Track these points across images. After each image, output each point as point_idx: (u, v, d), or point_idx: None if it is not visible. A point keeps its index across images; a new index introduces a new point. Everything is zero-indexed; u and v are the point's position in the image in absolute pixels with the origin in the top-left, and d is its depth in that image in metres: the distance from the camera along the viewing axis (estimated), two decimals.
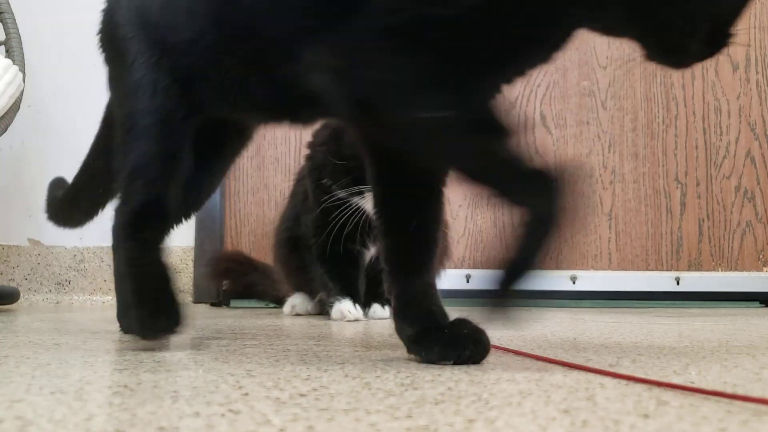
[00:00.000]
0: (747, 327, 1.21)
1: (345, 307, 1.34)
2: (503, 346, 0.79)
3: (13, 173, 2.15)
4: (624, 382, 0.56)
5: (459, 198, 2.16)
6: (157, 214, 0.85)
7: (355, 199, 1.31)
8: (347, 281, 1.40)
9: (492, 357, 0.73)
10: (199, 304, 1.99)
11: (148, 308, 0.82)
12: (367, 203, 1.30)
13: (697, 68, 2.24)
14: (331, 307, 1.37)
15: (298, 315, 1.50)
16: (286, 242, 1.52)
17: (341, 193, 1.32)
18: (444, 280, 1.68)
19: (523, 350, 0.77)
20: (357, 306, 1.36)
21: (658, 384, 0.54)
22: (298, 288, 1.53)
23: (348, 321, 1.32)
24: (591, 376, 0.60)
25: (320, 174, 1.37)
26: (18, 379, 0.58)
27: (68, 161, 2.40)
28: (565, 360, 0.69)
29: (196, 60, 0.81)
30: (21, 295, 2.01)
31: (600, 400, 0.49)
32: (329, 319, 1.35)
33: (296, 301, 1.53)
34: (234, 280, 1.73)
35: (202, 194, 1.03)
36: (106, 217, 2.06)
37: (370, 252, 1.42)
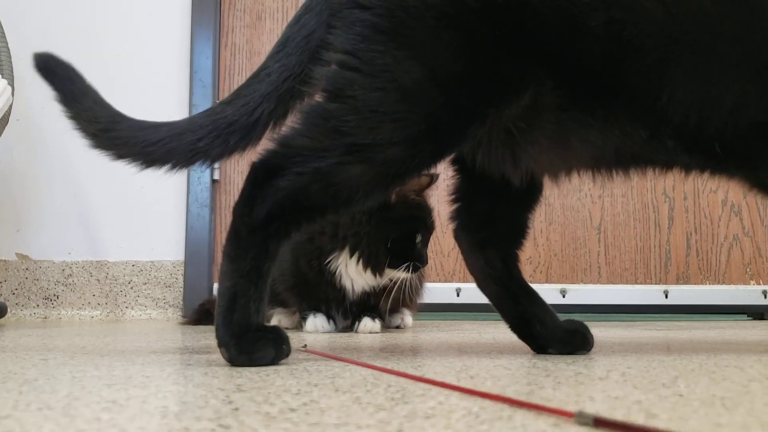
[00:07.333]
0: (734, 340, 1.22)
1: (319, 321, 1.44)
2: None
3: (1, 187, 2.14)
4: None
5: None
6: None
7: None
8: (318, 300, 1.46)
9: (483, 371, 0.73)
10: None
11: None
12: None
13: None
14: (304, 320, 1.46)
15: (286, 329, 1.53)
16: None
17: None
18: (434, 294, 1.69)
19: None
20: (331, 321, 1.45)
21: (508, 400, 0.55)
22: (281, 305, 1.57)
23: (321, 333, 1.40)
24: (580, 389, 0.60)
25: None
26: (5, 394, 0.58)
27: (57, 176, 2.37)
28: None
29: None
30: (8, 309, 1.99)
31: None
32: (302, 331, 1.46)
33: (281, 317, 1.60)
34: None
35: None
36: (94, 234, 2.04)
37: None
